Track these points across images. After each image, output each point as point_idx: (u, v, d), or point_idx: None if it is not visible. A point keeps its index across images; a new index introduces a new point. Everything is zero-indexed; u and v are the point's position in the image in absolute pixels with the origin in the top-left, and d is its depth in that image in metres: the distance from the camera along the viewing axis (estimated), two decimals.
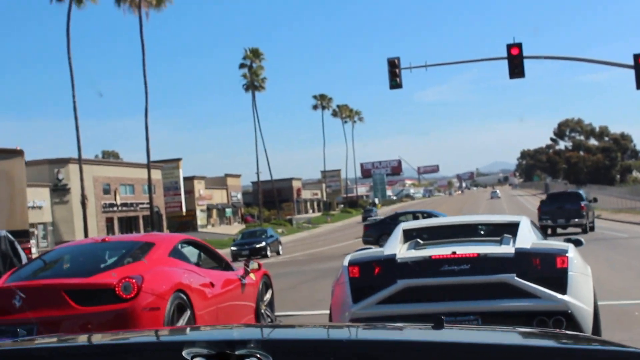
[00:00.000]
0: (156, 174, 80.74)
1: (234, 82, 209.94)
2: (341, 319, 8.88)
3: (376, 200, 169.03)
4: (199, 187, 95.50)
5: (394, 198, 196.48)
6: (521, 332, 3.01)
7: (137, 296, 9.19)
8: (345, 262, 9.20)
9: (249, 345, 2.48)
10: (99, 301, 9.18)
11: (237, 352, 2.44)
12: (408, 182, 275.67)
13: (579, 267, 8.90)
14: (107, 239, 11.87)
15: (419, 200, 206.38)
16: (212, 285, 10.82)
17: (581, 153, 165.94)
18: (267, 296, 13.12)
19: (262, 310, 12.63)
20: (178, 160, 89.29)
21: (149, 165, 66.11)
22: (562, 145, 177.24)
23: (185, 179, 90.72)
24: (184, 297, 9.86)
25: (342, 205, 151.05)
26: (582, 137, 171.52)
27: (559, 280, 8.55)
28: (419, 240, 9.92)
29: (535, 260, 8.66)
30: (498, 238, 9.56)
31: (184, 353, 2.43)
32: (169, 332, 3.86)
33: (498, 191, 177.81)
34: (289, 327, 3.52)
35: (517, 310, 8.39)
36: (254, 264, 12.56)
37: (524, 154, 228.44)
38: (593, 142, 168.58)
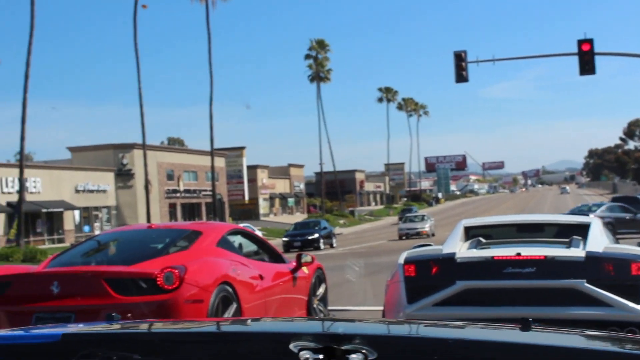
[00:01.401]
0: (220, 162, 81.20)
1: (299, 73, 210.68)
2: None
3: (439, 195, 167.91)
4: (262, 176, 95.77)
5: (458, 193, 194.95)
6: (612, 338, 2.90)
7: (179, 287, 8.71)
8: (401, 260, 8.67)
9: (354, 341, 2.45)
10: (139, 291, 8.74)
11: (343, 347, 2.41)
12: (472, 177, 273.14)
13: None
14: (153, 226, 11.52)
15: (482, 196, 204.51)
16: (261, 277, 10.35)
17: None
18: (320, 290, 12.54)
19: (315, 305, 12.12)
20: (242, 148, 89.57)
21: (213, 153, 66.47)
22: (631, 145, 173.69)
23: (248, 167, 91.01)
24: (230, 290, 9.36)
25: (404, 199, 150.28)
26: None
27: (633, 288, 7.86)
28: (480, 239, 9.31)
29: (607, 266, 7.97)
30: (567, 240, 8.92)
31: (291, 346, 2.43)
32: (271, 321, 3.77)
33: (567, 187, 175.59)
34: (394, 324, 3.43)
35: (587, 319, 7.65)
36: (307, 257, 11.91)
37: (592, 153, 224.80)
38: None
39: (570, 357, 2.44)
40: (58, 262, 9.91)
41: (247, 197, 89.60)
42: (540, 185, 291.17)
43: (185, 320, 3.30)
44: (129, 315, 8.24)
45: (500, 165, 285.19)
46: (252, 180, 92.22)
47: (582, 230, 9.07)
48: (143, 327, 3.21)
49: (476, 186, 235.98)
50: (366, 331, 2.90)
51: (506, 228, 10.38)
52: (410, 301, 8.36)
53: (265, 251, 11.73)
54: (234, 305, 9.39)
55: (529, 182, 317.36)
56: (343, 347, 2.41)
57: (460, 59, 32.55)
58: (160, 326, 3.22)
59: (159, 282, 8.67)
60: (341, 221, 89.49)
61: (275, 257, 11.70)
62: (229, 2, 71.85)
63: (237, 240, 11.25)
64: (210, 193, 71.29)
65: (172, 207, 74.36)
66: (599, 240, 8.62)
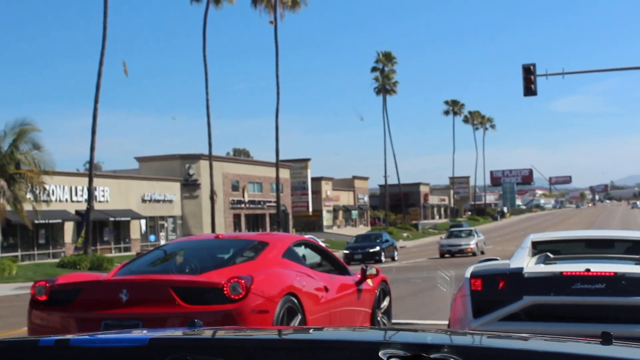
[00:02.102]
0: (284, 174, 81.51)
1: (365, 85, 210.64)
2: None
3: (505, 209, 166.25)
4: (326, 188, 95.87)
5: (524, 207, 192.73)
6: None
7: (246, 297, 8.81)
8: (467, 274, 8.57)
9: (442, 350, 2.47)
10: (206, 300, 8.87)
11: (432, 356, 2.43)
12: (539, 192, 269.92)
13: None
14: (220, 236, 11.68)
15: (548, 210, 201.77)
16: (326, 289, 10.41)
17: None
18: (385, 303, 12.57)
19: (379, 318, 12.12)
20: (307, 160, 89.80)
21: (278, 164, 66.76)
22: None
23: (313, 179, 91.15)
24: (295, 301, 9.47)
25: (469, 212, 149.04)
26: None
27: None
28: (548, 254, 9.14)
29: None
30: (637, 256, 8.71)
31: (380, 353, 2.45)
32: (360, 330, 3.81)
33: (638, 203, 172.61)
34: (481, 334, 3.43)
35: None
36: (372, 270, 11.91)
37: None
38: None
39: None
40: (127, 271, 10.10)
41: (310, 209, 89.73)
42: (608, 201, 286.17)
43: (269, 328, 3.32)
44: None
45: (567, 180, 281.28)
46: (316, 192, 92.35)
47: None
48: (227, 333, 3.24)
49: (542, 201, 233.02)
50: (454, 341, 2.87)
51: (575, 243, 10.26)
52: (476, 315, 8.22)
53: (330, 263, 11.81)
54: (299, 317, 9.45)
55: (597, 197, 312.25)
56: (432, 356, 2.43)
57: (528, 72, 32.20)
58: (243, 333, 3.25)
59: (225, 292, 8.78)
60: (404, 234, 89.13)
61: (340, 269, 11.76)
62: (298, 14, 71.82)
63: (302, 251, 11.35)
64: (274, 204, 71.59)
65: (237, 217, 74.83)
66: None
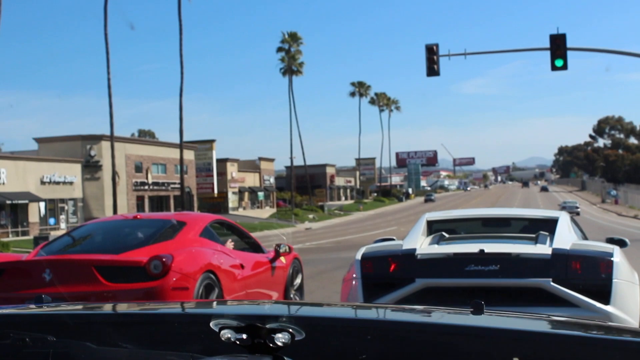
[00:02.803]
0: (189, 155, 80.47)
1: (271, 66, 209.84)
2: None
3: (410, 190, 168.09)
4: (232, 170, 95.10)
5: (428, 188, 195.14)
6: (562, 322, 2.83)
7: (167, 275, 9.13)
8: (358, 256, 8.18)
9: (281, 320, 2.37)
10: (128, 278, 9.16)
11: (268, 326, 2.28)
12: (443, 173, 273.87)
13: (624, 273, 7.73)
14: (138, 216, 11.78)
15: (452, 192, 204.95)
16: (242, 267, 10.76)
17: (620, 151, 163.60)
18: (297, 280, 12.94)
19: (292, 295, 12.48)
20: (212, 141, 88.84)
21: (182, 145, 65.76)
22: (600, 143, 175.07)
23: (218, 160, 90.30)
24: (213, 278, 9.79)
25: (375, 194, 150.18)
26: (621, 136, 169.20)
27: (601, 287, 7.49)
28: (444, 233, 8.88)
29: (575, 264, 7.54)
30: (533, 235, 8.50)
31: (211, 324, 2.33)
32: (196, 304, 3.70)
33: (546, 184, 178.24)
34: (322, 305, 3.31)
35: None
36: (285, 247, 12.25)
37: (562, 150, 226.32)
38: (633, 141, 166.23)
39: (522, 340, 2.35)
40: (48, 251, 10.21)
41: (216, 191, 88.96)
42: (510, 182, 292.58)
43: (114, 303, 3.17)
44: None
45: (471, 161, 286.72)
46: (222, 174, 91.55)
47: (550, 225, 8.75)
48: (64, 308, 3.01)
49: (446, 182, 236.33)
50: (293, 311, 2.79)
51: (471, 222, 10.04)
52: (367, 299, 7.89)
53: (244, 241, 12.19)
54: (217, 292, 9.80)
55: (499, 178, 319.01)
56: (268, 326, 2.27)
57: (431, 52, 32.11)
58: (81, 308, 3.07)
59: (147, 270, 9.12)
60: (310, 216, 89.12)
61: (255, 247, 12.15)
62: None
63: (219, 230, 11.63)
64: (179, 186, 70.67)
65: (140, 199, 73.52)
66: (566, 237, 8.29)
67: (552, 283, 7.46)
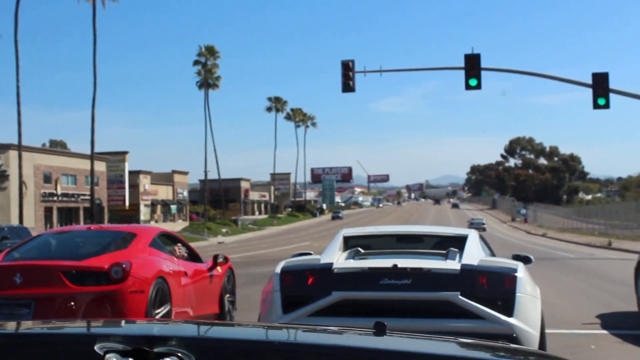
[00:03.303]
0: (101, 166, 78.90)
1: (187, 79, 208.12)
2: None
3: (324, 206, 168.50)
4: (145, 182, 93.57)
5: (342, 204, 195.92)
6: (462, 343, 2.85)
7: (125, 280, 10.23)
8: (278, 269, 8.49)
9: (170, 343, 2.29)
10: (91, 282, 10.21)
11: (156, 350, 2.23)
12: (358, 189, 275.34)
13: (527, 288, 8.21)
14: (92, 228, 12.85)
15: (366, 208, 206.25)
16: (185, 274, 11.98)
17: (530, 171, 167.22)
18: (229, 287, 14.33)
19: (226, 300, 13.86)
20: (124, 153, 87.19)
21: (93, 156, 64.56)
22: (512, 162, 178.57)
23: (130, 172, 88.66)
24: (164, 283, 10.97)
25: (289, 209, 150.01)
26: (532, 156, 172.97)
27: (505, 301, 7.91)
28: (359, 249, 9.25)
29: (481, 279, 7.95)
30: (444, 252, 8.93)
31: (96, 347, 2.25)
32: (82, 323, 3.49)
33: (458, 202, 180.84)
34: (216, 325, 3.16)
35: (459, 332, 7.41)
36: (221, 258, 13.81)
37: (474, 169, 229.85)
38: (543, 161, 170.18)
39: None
40: (12, 257, 11.18)
41: (127, 203, 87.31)
42: (423, 199, 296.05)
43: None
44: (81, 303, 10.01)
45: (385, 178, 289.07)
46: (134, 186, 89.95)
47: (460, 242, 9.15)
48: None
49: (360, 198, 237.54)
50: (184, 333, 2.71)
51: (386, 238, 10.41)
52: (285, 311, 8.19)
53: (187, 252, 13.25)
54: (167, 297, 11.02)
55: (413, 195, 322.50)
56: (156, 350, 2.22)
57: (347, 69, 32.04)
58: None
59: (108, 275, 10.24)
60: (224, 230, 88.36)
61: (195, 257, 13.32)
62: (119, 3, 69.52)
63: (164, 241, 12.76)
64: (89, 197, 69.08)
65: (48, 210, 71.59)
66: (474, 253, 8.69)
67: (460, 296, 7.82)
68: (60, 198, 73.18)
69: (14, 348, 2.45)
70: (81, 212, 76.67)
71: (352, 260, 8.59)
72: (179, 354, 2.19)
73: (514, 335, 7.70)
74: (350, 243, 9.70)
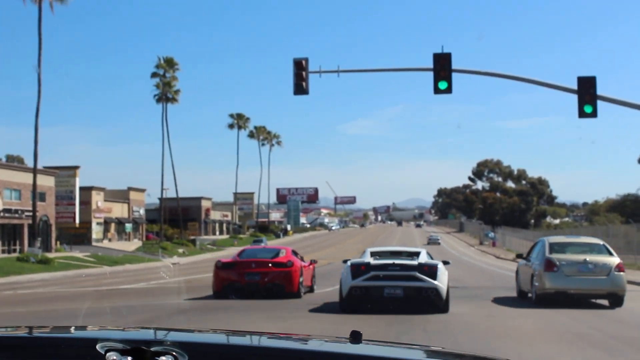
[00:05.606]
0: (49, 181, 74.65)
1: (145, 92, 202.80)
2: (344, 289, 19.98)
3: (288, 227, 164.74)
4: (97, 199, 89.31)
5: (308, 226, 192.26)
6: (428, 351, 3.13)
7: (293, 266, 24.83)
8: (349, 263, 20.78)
9: (165, 343, 2.49)
10: (279, 267, 24.77)
11: (153, 349, 2.45)
12: (324, 211, 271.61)
13: (442, 270, 20.12)
14: (265, 246, 32.86)
15: (334, 230, 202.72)
16: (302, 267, 25.85)
17: (498, 194, 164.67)
18: (314, 274, 30.24)
19: (313, 281, 29.64)
20: (75, 167, 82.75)
21: (36, 170, 60.59)
22: (479, 185, 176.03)
23: (82, 188, 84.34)
24: (301, 269, 25.43)
25: (253, 229, 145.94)
26: (500, 179, 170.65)
27: (433, 275, 19.70)
28: (377, 255, 21.62)
29: (425, 267, 19.93)
30: (411, 257, 21.15)
31: (97, 347, 2.45)
32: (85, 329, 3.53)
33: (422, 223, 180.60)
34: (206, 332, 3.43)
35: (416, 286, 19.52)
36: (314, 260, 30.74)
37: (441, 192, 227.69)
38: (510, 184, 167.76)
39: None
40: (244, 256, 25.91)
41: (78, 221, 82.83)
42: (390, 222, 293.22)
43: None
44: (274, 276, 24.99)
45: (352, 200, 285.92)
46: (86, 203, 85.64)
47: (418, 254, 21.58)
48: None
49: (327, 220, 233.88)
50: (177, 336, 2.93)
51: (387, 252, 22.78)
52: (353, 279, 19.91)
53: (301, 257, 28.70)
54: (301, 275, 25.36)
55: (380, 217, 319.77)
56: (152, 349, 2.43)
57: (300, 67, 28.27)
58: None
59: (286, 264, 24.88)
60: (180, 250, 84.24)
61: (303, 260, 28.20)
62: (68, 6, 64.50)
63: (293, 252, 27.37)
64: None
65: None
66: (423, 258, 20.96)
67: (417, 273, 19.73)
68: (2, 214, 68.67)
69: (23, 349, 2.67)
70: (25, 229, 72.05)
71: (375, 260, 20.54)
72: (174, 353, 2.41)
73: (437, 288, 19.48)
74: (373, 253, 21.87)
